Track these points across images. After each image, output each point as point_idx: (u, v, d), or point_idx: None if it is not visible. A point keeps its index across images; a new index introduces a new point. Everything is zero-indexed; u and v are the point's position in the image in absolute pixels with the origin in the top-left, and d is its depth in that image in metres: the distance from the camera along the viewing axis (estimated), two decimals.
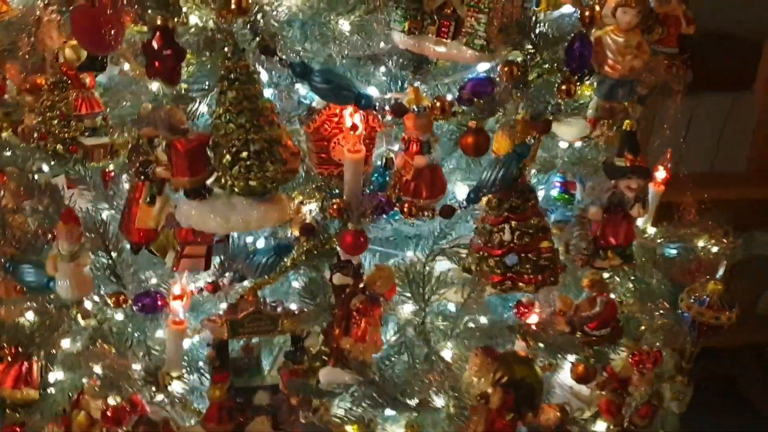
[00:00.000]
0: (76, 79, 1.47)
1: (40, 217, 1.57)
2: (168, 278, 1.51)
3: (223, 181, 1.23)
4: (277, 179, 1.23)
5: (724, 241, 1.68)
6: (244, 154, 1.20)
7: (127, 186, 1.64)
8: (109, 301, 1.46)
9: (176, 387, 1.46)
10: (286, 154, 1.24)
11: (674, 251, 1.72)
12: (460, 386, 1.36)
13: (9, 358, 1.48)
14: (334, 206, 1.33)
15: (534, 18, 1.26)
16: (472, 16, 1.20)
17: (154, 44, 1.07)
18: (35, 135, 1.51)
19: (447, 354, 1.46)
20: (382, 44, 1.31)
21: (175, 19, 1.08)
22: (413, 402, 1.36)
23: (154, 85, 1.44)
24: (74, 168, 1.56)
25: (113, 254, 1.44)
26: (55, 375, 1.51)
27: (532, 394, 1.38)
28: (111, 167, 1.62)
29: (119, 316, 1.52)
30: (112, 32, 1.21)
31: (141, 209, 1.46)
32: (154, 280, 1.52)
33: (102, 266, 1.45)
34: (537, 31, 1.24)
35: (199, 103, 1.31)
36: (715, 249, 1.69)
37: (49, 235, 1.57)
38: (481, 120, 1.26)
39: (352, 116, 1.26)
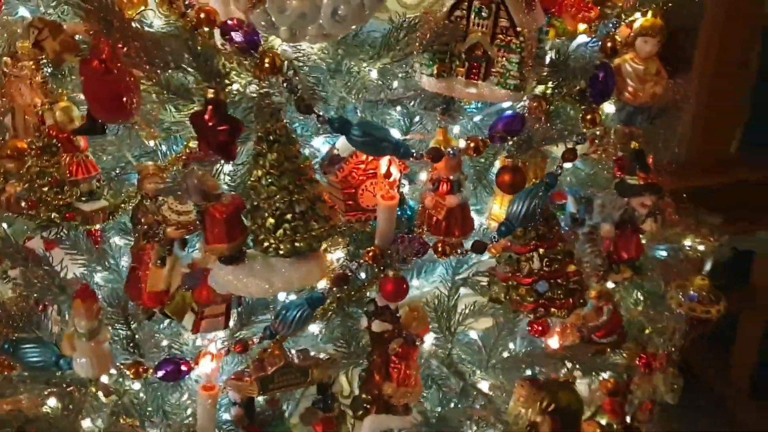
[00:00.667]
0: (68, 142, 1.36)
1: (33, 289, 1.47)
2: (183, 342, 1.45)
3: (266, 244, 1.18)
4: (322, 237, 1.19)
5: (710, 239, 1.76)
6: (289, 216, 1.15)
7: (119, 244, 1.56)
8: (128, 373, 1.37)
9: None
10: (326, 210, 1.21)
11: (664, 252, 1.78)
12: (506, 417, 1.37)
13: None
14: (370, 254, 1.30)
15: (557, 51, 1.27)
16: (504, 57, 1.20)
17: (207, 119, 1.00)
18: (23, 204, 1.40)
19: (483, 386, 1.46)
20: (401, 88, 1.28)
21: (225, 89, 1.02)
22: None
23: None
24: (65, 234, 1.47)
25: (132, 324, 1.36)
26: None
27: (576, 418, 1.40)
28: (97, 226, 1.53)
29: (136, 386, 1.44)
30: (133, 100, 1.13)
31: (151, 272, 1.39)
32: (165, 343, 1.44)
33: (120, 337, 1.36)
34: (560, 63, 1.25)
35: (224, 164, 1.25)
36: (701, 247, 1.77)
37: (51, 308, 1.49)
38: (517, 157, 1.26)
39: (389, 164, 1.24)
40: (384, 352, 1.37)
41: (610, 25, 1.28)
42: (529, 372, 1.46)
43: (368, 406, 1.38)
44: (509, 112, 1.27)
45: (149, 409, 1.43)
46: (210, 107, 1.01)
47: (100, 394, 1.37)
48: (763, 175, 2.65)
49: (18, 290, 1.47)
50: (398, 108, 1.36)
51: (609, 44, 1.25)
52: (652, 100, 1.30)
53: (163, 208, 1.36)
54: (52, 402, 1.36)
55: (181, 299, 1.40)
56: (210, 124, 1.01)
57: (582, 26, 1.27)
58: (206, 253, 1.31)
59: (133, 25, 1.08)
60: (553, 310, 1.41)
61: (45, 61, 1.33)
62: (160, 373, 1.38)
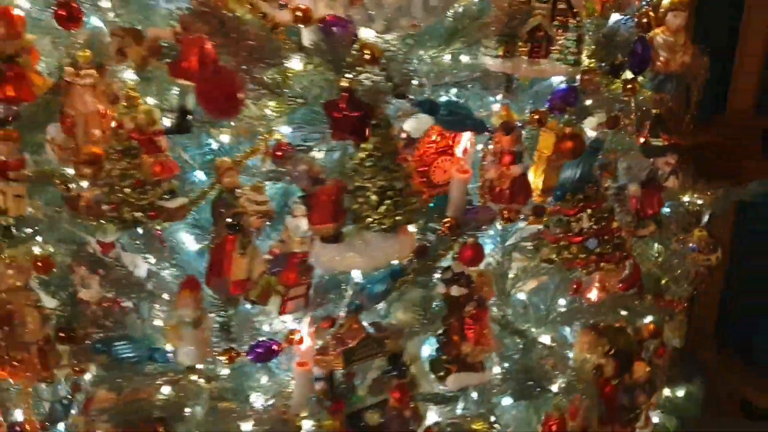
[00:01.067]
0: (150, 144, 1.42)
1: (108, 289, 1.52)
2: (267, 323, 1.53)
3: (369, 220, 1.28)
4: (418, 210, 1.30)
5: (707, 193, 1.96)
6: (390, 192, 1.26)
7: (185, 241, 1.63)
8: (222, 359, 1.45)
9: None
10: (417, 186, 1.32)
11: (667, 209, 1.97)
12: (573, 364, 1.51)
13: None
14: (447, 224, 1.42)
15: (598, 28, 1.42)
16: (562, 35, 1.34)
17: (342, 107, 1.10)
18: (104, 207, 1.45)
19: (545, 339, 1.60)
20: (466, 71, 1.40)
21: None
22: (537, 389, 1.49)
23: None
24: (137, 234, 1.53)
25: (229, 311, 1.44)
26: None
27: (630, 358, 1.56)
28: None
29: (225, 371, 1.51)
30: (241, 97, 1.22)
31: (235, 261, 1.47)
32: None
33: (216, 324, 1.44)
34: (605, 39, 1.40)
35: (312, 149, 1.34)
36: (699, 201, 1.97)
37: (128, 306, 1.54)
38: (575, 125, 1.41)
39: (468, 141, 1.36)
40: (460, 316, 1.49)
41: (644, 3, 1.44)
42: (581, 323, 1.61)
43: (449, 367, 1.50)
44: (563, 85, 1.41)
45: (241, 392, 1.50)
46: (345, 95, 1.11)
47: (201, 380, 1.43)
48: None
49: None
50: (453, 90, 1.48)
51: (645, 20, 1.41)
52: (682, 68, 1.47)
53: (241, 199, 1.45)
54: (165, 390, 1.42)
55: (266, 284, 1.48)
56: (344, 110, 1.11)
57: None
58: (292, 237, 1.41)
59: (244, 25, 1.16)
60: (602, 264, 1.57)
61: (127, 66, 1.39)
62: (253, 355, 1.46)
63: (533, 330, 1.61)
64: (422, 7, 1.20)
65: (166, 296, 1.50)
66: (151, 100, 1.46)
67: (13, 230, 1.60)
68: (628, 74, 1.49)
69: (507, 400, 1.58)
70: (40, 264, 1.70)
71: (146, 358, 1.45)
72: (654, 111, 1.60)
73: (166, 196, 1.46)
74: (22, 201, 1.56)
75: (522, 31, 1.34)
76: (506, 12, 1.30)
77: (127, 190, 1.43)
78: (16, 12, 1.41)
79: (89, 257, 1.52)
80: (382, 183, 1.25)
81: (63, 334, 1.48)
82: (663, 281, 1.88)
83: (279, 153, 1.37)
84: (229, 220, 1.43)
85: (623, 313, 1.62)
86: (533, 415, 1.57)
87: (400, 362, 1.60)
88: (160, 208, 1.45)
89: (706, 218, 2.02)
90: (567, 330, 1.65)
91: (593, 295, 1.70)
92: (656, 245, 1.84)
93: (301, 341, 1.48)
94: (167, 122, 1.41)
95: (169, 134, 1.40)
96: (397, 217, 1.27)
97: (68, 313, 1.47)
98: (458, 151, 1.39)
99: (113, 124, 1.43)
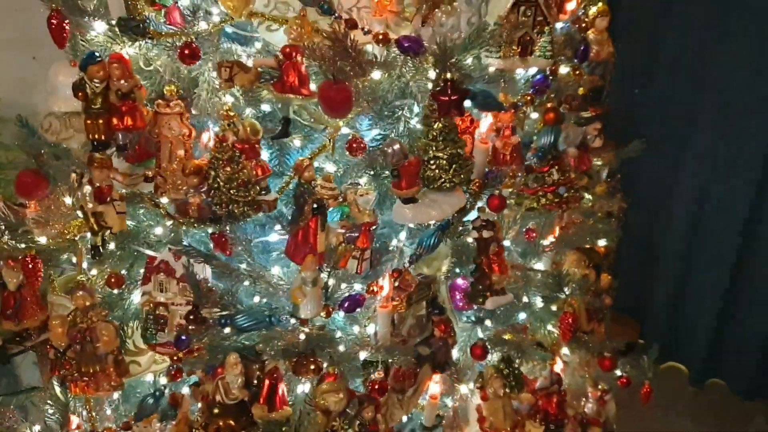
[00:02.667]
0: (252, 151, 1.79)
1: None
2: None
3: (441, 181, 1.75)
4: (472, 172, 1.79)
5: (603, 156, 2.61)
6: (455, 159, 1.74)
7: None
8: (322, 314, 1.84)
9: None
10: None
11: None
12: (564, 278, 2.06)
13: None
14: (476, 184, 1.92)
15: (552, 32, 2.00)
16: (540, 38, 1.90)
17: (448, 92, 1.58)
18: (215, 208, 1.79)
19: (539, 266, 2.14)
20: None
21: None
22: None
23: None
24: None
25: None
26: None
27: (601, 269, 2.14)
28: None
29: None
30: (351, 101, 1.65)
31: (319, 237, 1.86)
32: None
33: None
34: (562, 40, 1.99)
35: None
36: (599, 163, 2.62)
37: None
38: (552, 101, 1.97)
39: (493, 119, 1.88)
40: (487, 254, 1.99)
41: (580, 12, 2.04)
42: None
43: (487, 294, 1.99)
44: (539, 75, 1.97)
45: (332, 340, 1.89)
46: (449, 84, 1.58)
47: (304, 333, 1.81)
48: None
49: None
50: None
51: (584, 25, 2.01)
52: (608, 57, 2.09)
53: (317, 188, 1.85)
54: None
55: (344, 250, 1.89)
56: (449, 95, 1.58)
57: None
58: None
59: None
60: (570, 204, 2.14)
61: (237, 90, 1.75)
62: (344, 306, 1.86)
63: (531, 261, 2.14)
64: (467, 24, 1.71)
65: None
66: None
67: (103, 248, 1.89)
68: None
69: (522, 315, 2.10)
70: (113, 280, 1.99)
71: (266, 323, 1.80)
72: (581, 92, 2.21)
73: (263, 192, 1.83)
74: (124, 217, 1.85)
75: (512, 37, 1.88)
76: (507, 25, 1.83)
77: (234, 191, 1.78)
78: (127, 56, 1.74)
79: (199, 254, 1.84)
80: (451, 151, 1.73)
81: (191, 317, 1.79)
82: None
83: (355, 145, 1.80)
84: (315, 205, 1.83)
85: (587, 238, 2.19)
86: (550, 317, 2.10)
87: (437, 303, 2.07)
88: (259, 202, 1.82)
89: (604, 175, 2.68)
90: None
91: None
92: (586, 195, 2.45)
93: (381, 289, 1.90)
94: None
95: (275, 139, 1.78)
96: (462, 176, 1.76)
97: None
98: (483, 127, 1.89)
99: (216, 138, 1.78)
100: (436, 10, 1.67)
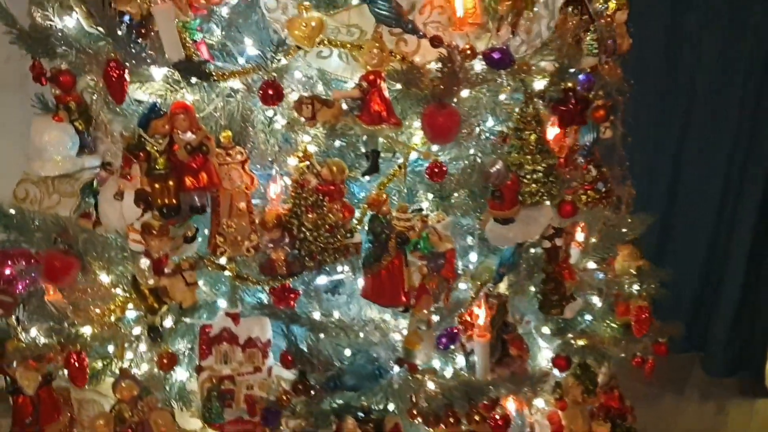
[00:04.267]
0: (338, 192, 1.60)
1: None
2: None
3: (537, 197, 1.66)
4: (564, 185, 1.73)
5: None
6: (553, 170, 1.67)
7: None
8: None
9: None
10: None
11: None
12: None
13: None
14: None
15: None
16: (587, 36, 1.86)
17: (571, 103, 1.49)
18: (306, 261, 1.59)
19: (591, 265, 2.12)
20: None
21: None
22: None
23: None
24: None
25: None
26: None
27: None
28: None
29: None
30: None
31: (406, 274, 1.73)
32: None
33: None
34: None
35: None
36: None
37: None
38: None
39: None
40: (558, 262, 1.93)
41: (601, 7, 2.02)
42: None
43: (563, 302, 1.93)
44: (584, 75, 1.93)
45: None
46: (570, 95, 1.50)
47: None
48: None
49: None
50: None
51: (608, 19, 2.00)
52: (628, 48, 2.09)
53: (393, 221, 1.71)
54: None
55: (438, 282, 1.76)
56: (571, 106, 1.50)
57: None
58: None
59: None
60: (610, 199, 2.12)
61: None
62: (443, 341, 1.74)
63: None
64: (546, 30, 1.63)
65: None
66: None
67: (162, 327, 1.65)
68: None
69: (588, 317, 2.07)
70: (166, 360, 1.75)
71: (374, 377, 1.64)
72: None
73: (348, 236, 1.66)
74: (195, 289, 1.62)
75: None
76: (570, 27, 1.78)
77: (322, 238, 1.61)
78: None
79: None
80: (548, 162, 1.65)
81: (300, 386, 1.59)
82: None
83: (437, 170, 1.67)
84: (399, 239, 1.69)
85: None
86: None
87: (507, 321, 1.99)
88: (348, 246, 1.65)
89: None
90: None
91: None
92: None
93: (477, 318, 1.79)
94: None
95: (365, 176, 1.61)
96: (558, 187, 1.69)
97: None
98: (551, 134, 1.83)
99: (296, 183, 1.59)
100: (521, 17, 1.58)
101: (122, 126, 1.77)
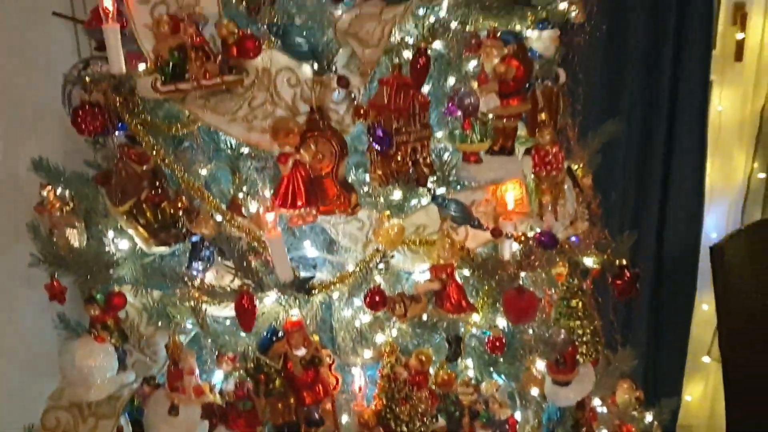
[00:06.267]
0: (425, 378, 1.69)
1: None
2: None
3: (585, 358, 1.85)
4: None
5: None
6: (597, 332, 1.87)
7: None
8: None
9: None
10: None
11: None
12: None
13: None
14: None
15: None
16: None
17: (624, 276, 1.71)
18: None
19: None
20: None
21: None
22: None
23: None
24: None
25: None
26: None
27: None
28: None
29: None
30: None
31: None
32: None
33: None
34: None
35: None
36: None
37: None
38: None
39: None
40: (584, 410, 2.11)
41: None
42: None
43: None
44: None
45: None
46: (624, 267, 1.71)
47: None
48: None
49: None
50: None
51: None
52: None
53: (460, 396, 1.83)
54: None
55: None
56: (625, 277, 1.71)
57: None
58: None
59: None
60: None
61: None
62: None
63: None
64: (572, 208, 1.87)
65: None
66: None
67: None
68: None
69: None
70: None
71: None
72: None
73: (434, 420, 1.75)
74: None
75: None
76: None
77: (416, 429, 1.69)
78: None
79: None
80: (592, 326, 1.85)
81: None
82: None
83: (498, 344, 1.82)
84: (471, 414, 1.81)
85: None
86: None
87: None
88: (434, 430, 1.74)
89: None
90: None
91: None
92: None
93: None
94: None
95: (449, 361, 1.71)
96: (599, 346, 1.89)
97: None
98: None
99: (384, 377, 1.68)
100: (558, 204, 1.81)
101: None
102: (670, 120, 3.14)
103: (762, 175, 3.36)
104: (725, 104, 3.34)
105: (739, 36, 3.23)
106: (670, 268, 3.29)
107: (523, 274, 1.76)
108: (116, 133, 1.70)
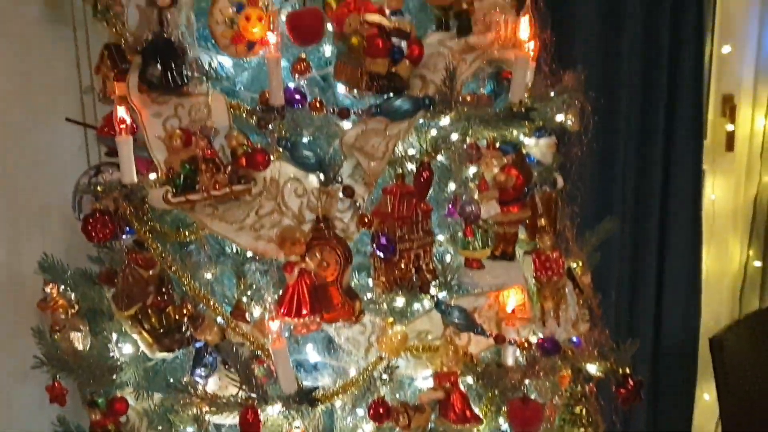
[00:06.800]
0: None
1: None
2: None
3: None
4: None
5: None
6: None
7: None
8: None
9: None
10: None
11: None
12: None
13: None
14: None
15: None
16: None
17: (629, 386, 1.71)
18: None
19: None
20: None
21: None
22: None
23: None
24: None
25: None
26: None
27: None
28: None
29: None
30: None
31: None
32: None
33: None
34: None
35: None
36: None
37: None
38: None
39: None
40: None
41: None
42: None
43: None
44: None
45: None
46: (628, 377, 1.72)
47: None
48: None
49: None
50: None
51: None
52: None
53: None
54: None
55: None
56: (630, 387, 1.72)
57: None
58: None
59: None
60: None
61: None
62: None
63: None
64: (573, 313, 1.89)
65: None
66: None
67: None
68: None
69: None
70: None
71: None
72: None
73: None
74: None
75: None
76: None
77: None
78: None
79: None
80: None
81: None
82: None
83: None
84: None
85: None
86: None
87: None
88: None
89: None
90: None
91: None
92: None
93: None
94: None
95: None
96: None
97: None
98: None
99: None
100: (560, 309, 1.83)
101: None
102: (664, 210, 3.19)
103: (758, 263, 3.39)
104: (718, 193, 3.40)
105: (729, 127, 3.31)
106: (669, 360, 3.29)
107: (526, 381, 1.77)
108: (123, 236, 1.72)
